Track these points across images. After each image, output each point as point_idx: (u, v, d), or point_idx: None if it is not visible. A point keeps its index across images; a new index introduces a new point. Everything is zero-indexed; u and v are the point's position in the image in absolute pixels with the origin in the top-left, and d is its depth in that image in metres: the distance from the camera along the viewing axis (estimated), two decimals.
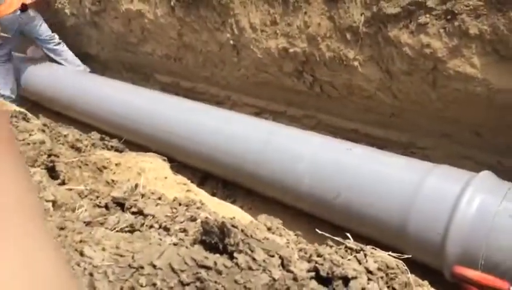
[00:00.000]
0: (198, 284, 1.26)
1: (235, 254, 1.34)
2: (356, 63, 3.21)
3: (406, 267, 1.40)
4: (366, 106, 3.41)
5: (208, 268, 1.30)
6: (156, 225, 1.73)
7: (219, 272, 1.27)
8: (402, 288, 1.31)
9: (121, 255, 1.45)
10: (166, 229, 1.69)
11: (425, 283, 1.47)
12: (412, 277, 1.39)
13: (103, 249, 1.47)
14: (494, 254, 2.16)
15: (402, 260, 1.47)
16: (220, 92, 4.59)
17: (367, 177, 2.69)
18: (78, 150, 2.82)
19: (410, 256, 1.49)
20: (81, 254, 1.45)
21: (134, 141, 4.13)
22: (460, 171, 2.53)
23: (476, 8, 2.54)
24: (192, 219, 1.73)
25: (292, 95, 3.90)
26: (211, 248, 1.49)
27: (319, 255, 1.36)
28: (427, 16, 2.74)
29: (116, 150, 3.42)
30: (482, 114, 2.82)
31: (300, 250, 1.49)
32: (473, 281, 1.88)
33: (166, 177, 2.45)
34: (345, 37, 3.21)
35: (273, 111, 4.13)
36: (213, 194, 3.33)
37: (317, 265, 1.28)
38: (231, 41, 4.03)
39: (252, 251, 1.33)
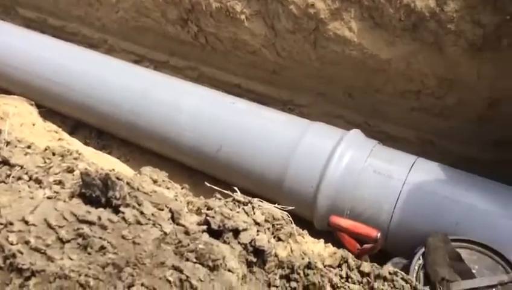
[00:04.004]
0: (80, 240, 1.16)
1: (121, 208, 1.27)
2: (243, 17, 3.17)
3: (291, 219, 1.48)
4: (250, 61, 3.42)
5: (90, 223, 1.21)
6: (26, 177, 1.54)
7: (104, 227, 1.19)
8: (287, 238, 1.38)
9: None
10: (39, 181, 1.52)
11: (305, 232, 1.57)
12: (294, 227, 1.47)
13: None
14: (357, 205, 2.39)
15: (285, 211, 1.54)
16: (94, 34, 4.21)
17: (248, 132, 2.74)
18: None
19: (293, 208, 1.56)
20: None
21: None
22: (333, 129, 2.71)
23: None
24: (69, 170, 1.59)
25: (175, 45, 3.74)
26: (92, 201, 1.39)
27: (209, 208, 1.36)
28: None
29: None
30: (355, 77, 3.03)
31: (188, 203, 1.47)
32: (345, 229, 2.07)
33: (34, 124, 2.20)
34: None
35: (154, 60, 3.93)
36: (86, 144, 3.11)
37: (208, 218, 1.28)
38: None
39: (139, 205, 1.27)
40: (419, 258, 1.95)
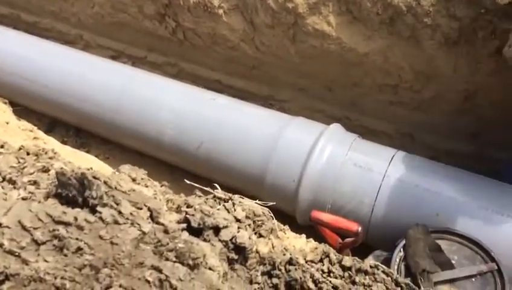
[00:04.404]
0: (56, 242, 1.13)
1: (98, 208, 1.24)
2: (221, 11, 3.15)
3: (272, 214, 1.47)
4: (229, 56, 3.40)
5: (67, 224, 1.18)
6: None
7: (81, 228, 1.16)
8: (268, 234, 1.37)
9: None
10: (12, 181, 1.48)
11: (286, 227, 1.56)
12: (275, 223, 1.47)
13: None
14: (339, 199, 2.40)
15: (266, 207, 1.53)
16: (70, 30, 4.12)
17: (229, 128, 2.72)
18: None
19: (274, 203, 1.55)
20: None
21: None
22: (313, 123, 2.71)
23: None
24: (44, 170, 1.55)
25: (153, 40, 3.69)
26: (68, 201, 1.36)
27: (188, 206, 1.34)
28: None
29: None
30: (334, 71, 3.04)
31: (168, 201, 1.45)
32: (326, 224, 2.07)
33: (7, 123, 2.14)
34: None
35: (133, 56, 3.87)
36: (64, 143, 3.05)
37: (188, 216, 1.26)
38: None
39: (117, 204, 1.24)
40: (400, 251, 1.97)
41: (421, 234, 2.01)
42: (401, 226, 2.11)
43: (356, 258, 1.41)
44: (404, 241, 1.99)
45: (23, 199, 1.37)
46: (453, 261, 1.93)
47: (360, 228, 2.03)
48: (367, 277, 1.34)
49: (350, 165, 2.42)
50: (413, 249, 1.94)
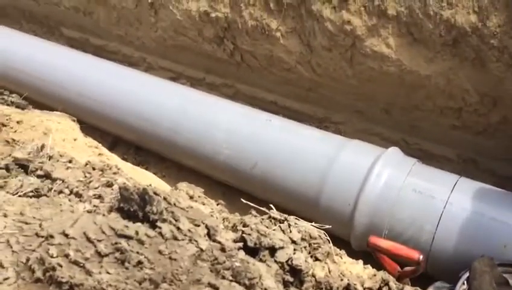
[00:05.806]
0: (117, 255, 1.17)
1: (158, 223, 1.27)
2: (278, 34, 3.19)
3: (328, 237, 1.44)
4: (285, 78, 3.42)
5: (128, 238, 1.21)
6: (67, 191, 1.58)
7: (141, 242, 1.19)
8: (324, 257, 1.34)
9: (26, 223, 1.30)
10: (79, 195, 1.55)
11: (343, 252, 1.52)
12: (332, 246, 1.43)
13: (5, 216, 1.31)
14: (397, 225, 2.31)
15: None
16: (134, 52, 4.33)
17: (284, 149, 2.72)
18: None
19: (330, 227, 1.52)
20: None
21: (38, 99, 3.76)
22: (370, 146, 2.66)
23: None
24: (108, 185, 1.61)
25: (212, 62, 3.79)
26: (130, 216, 1.40)
27: (244, 225, 1.34)
28: None
29: (17, 106, 3.08)
30: (392, 93, 2.97)
31: (224, 220, 1.46)
32: (385, 250, 2.00)
33: (75, 139, 2.26)
34: (268, 6, 3.17)
35: (191, 77, 4.00)
36: (124, 160, 3.17)
37: (244, 235, 1.26)
38: None
39: (176, 220, 1.26)
40: (463, 283, 1.85)
41: (487, 266, 1.88)
42: (465, 256, 1.99)
43: (417, 288, 1.34)
44: (468, 274, 1.87)
45: (89, 211, 1.43)
46: None
47: (421, 257, 1.93)
48: None
49: (409, 191, 2.33)
50: (478, 283, 1.82)
